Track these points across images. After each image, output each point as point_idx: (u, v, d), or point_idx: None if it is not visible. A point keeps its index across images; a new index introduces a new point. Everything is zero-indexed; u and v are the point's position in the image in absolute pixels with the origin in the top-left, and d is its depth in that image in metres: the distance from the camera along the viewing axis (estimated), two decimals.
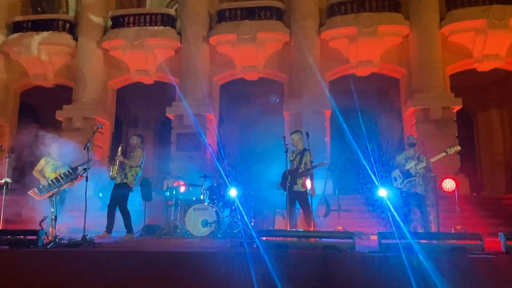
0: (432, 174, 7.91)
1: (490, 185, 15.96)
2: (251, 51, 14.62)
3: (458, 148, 7.95)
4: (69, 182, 6.55)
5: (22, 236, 5.30)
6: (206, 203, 8.58)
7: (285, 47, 14.79)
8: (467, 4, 13.75)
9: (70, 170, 6.71)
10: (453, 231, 8.38)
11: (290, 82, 14.61)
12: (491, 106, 16.97)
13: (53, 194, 6.56)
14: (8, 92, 15.93)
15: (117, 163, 7.66)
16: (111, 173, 7.65)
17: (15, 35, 15.56)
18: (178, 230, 8.81)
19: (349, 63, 14.53)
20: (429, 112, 13.38)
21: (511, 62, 13.93)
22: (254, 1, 15.27)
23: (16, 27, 15.80)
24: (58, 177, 6.67)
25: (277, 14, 14.98)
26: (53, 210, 6.37)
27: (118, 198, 7.66)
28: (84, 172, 6.42)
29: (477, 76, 15.10)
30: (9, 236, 5.26)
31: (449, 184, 9.74)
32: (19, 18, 15.96)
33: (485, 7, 13.44)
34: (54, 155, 7.92)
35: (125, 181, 7.68)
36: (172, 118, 14.87)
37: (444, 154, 7.58)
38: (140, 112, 19.20)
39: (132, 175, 7.72)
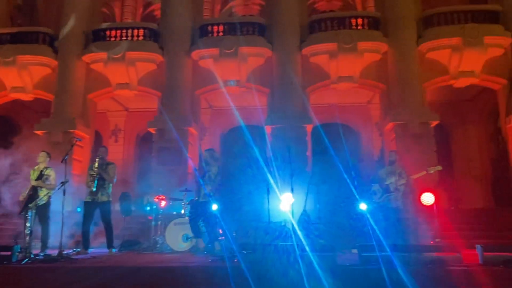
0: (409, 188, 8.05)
1: (467, 198, 16.25)
2: (233, 66, 14.71)
3: (439, 168, 8.12)
4: (25, 198, 6.52)
5: None
6: (187, 218, 8.48)
7: (267, 62, 14.93)
8: (443, 23, 14.18)
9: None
10: (432, 244, 8.48)
11: (272, 97, 14.72)
12: (468, 121, 17.39)
13: (28, 209, 6.42)
14: None
15: (96, 177, 7.57)
16: (89, 186, 7.56)
17: None
18: (158, 245, 8.67)
19: (329, 78, 14.74)
20: (408, 127, 13.62)
21: (486, 78, 14.33)
22: (237, 16, 15.44)
23: None
24: (24, 194, 6.66)
25: (259, 29, 15.14)
26: (28, 225, 6.22)
27: (107, 216, 7.79)
28: (62, 185, 6.31)
29: (454, 92, 15.50)
30: None
31: (427, 198, 9.86)
32: None
33: (460, 25, 13.86)
34: (40, 165, 7.68)
35: (110, 199, 7.83)
36: (153, 132, 14.77)
37: (424, 173, 7.74)
38: (121, 125, 19.01)
39: (110, 191, 7.77)
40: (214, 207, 7.65)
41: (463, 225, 10.69)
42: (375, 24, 14.75)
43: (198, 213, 7.68)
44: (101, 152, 7.94)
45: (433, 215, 9.18)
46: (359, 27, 14.67)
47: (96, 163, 7.67)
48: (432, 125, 13.87)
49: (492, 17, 14.04)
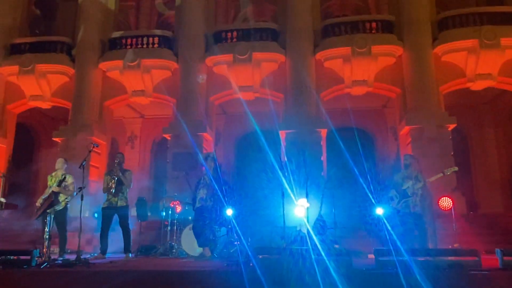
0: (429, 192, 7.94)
1: (486, 203, 15.95)
2: (247, 72, 14.78)
3: (455, 169, 7.99)
4: (45, 204, 6.61)
5: (15, 256, 5.25)
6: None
7: (280, 67, 14.96)
8: (459, 25, 14.02)
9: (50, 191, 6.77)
10: (450, 249, 8.34)
11: (286, 102, 14.72)
12: (486, 124, 17.11)
13: (46, 214, 6.55)
14: (5, 113, 15.95)
15: (116, 179, 7.63)
16: (109, 188, 7.57)
17: (12, 57, 15.68)
18: (174, 250, 8.73)
19: (344, 82, 14.68)
20: (424, 131, 13.47)
21: (504, 81, 14.10)
22: (250, 22, 15.53)
23: (14, 49, 15.92)
24: (41, 200, 6.78)
25: (272, 35, 15.20)
26: (47, 230, 6.32)
27: (125, 221, 7.82)
28: (80, 191, 6.40)
29: (471, 95, 15.28)
30: (2, 256, 5.20)
31: (446, 202, 9.74)
32: (16, 40, 16.12)
33: (476, 27, 13.69)
34: (57, 172, 7.81)
35: (127, 204, 7.87)
36: (168, 138, 14.90)
37: (441, 175, 7.62)
38: (137, 132, 19.24)
39: (127, 197, 7.84)
40: (229, 212, 7.66)
41: (482, 230, 10.51)
42: (389, 27, 14.66)
43: (201, 219, 7.64)
44: (118, 158, 8.03)
45: (451, 219, 9.05)
46: (373, 31, 14.60)
47: (117, 167, 7.75)
48: (449, 129, 13.69)
49: (509, 19, 13.83)
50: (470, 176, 16.63)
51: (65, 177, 7.50)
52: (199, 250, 8.08)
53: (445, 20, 14.34)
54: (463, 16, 14.09)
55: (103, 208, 7.81)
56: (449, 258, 4.82)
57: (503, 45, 13.38)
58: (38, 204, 7.44)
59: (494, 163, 16.67)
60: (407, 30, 14.30)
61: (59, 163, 7.82)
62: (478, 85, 14.18)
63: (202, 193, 7.67)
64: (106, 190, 7.65)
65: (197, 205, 7.71)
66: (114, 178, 7.59)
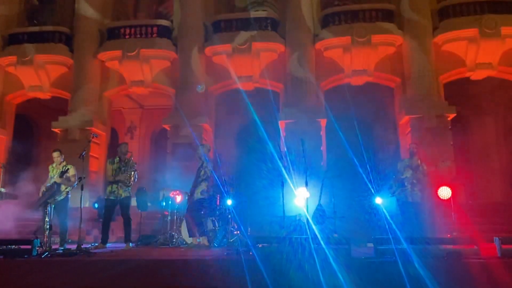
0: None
1: (485, 192, 15.99)
2: (246, 62, 14.71)
3: (448, 163, 8.07)
4: (46, 194, 6.65)
5: (16, 246, 5.28)
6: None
7: (280, 57, 14.90)
8: (460, 14, 13.95)
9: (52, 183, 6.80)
10: (449, 237, 8.38)
11: (286, 92, 14.69)
12: (485, 114, 17.09)
13: (47, 204, 6.57)
14: (4, 104, 15.93)
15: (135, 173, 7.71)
16: (129, 179, 7.61)
17: (11, 47, 15.60)
18: (174, 240, 8.76)
19: (344, 72, 14.64)
20: (424, 120, 13.46)
21: (504, 70, 14.06)
22: (249, 12, 15.44)
23: (12, 39, 15.84)
24: (44, 190, 6.80)
25: (272, 25, 15.11)
26: (47, 219, 6.35)
27: (127, 211, 7.90)
28: (80, 181, 6.42)
29: (471, 85, 15.24)
30: (3, 246, 5.23)
31: (444, 192, 9.74)
32: (15, 30, 16.02)
33: (477, 16, 13.63)
34: (55, 164, 7.82)
35: (130, 194, 7.97)
36: (168, 129, 14.88)
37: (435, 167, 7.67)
38: (136, 122, 19.21)
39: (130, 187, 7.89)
40: (229, 202, 7.69)
41: (481, 219, 10.54)
42: (389, 16, 14.58)
43: (201, 209, 7.69)
44: (124, 148, 8.04)
45: (450, 209, 9.08)
46: (373, 20, 14.53)
47: (131, 160, 7.82)
48: (449, 118, 13.68)
49: (510, 8, 13.75)
50: (469, 165, 16.62)
51: (68, 169, 7.51)
52: (199, 239, 8.11)
53: (445, 9, 14.26)
54: (464, 5, 14.02)
55: (106, 199, 7.83)
56: (448, 246, 4.85)
57: (503, 34, 13.34)
58: (40, 193, 7.45)
59: (493, 152, 16.69)
60: (407, 19, 14.22)
61: (57, 156, 7.79)
62: (478, 75, 14.15)
63: (204, 185, 7.70)
64: (109, 179, 7.67)
65: (200, 196, 7.73)
66: (134, 171, 7.68)
